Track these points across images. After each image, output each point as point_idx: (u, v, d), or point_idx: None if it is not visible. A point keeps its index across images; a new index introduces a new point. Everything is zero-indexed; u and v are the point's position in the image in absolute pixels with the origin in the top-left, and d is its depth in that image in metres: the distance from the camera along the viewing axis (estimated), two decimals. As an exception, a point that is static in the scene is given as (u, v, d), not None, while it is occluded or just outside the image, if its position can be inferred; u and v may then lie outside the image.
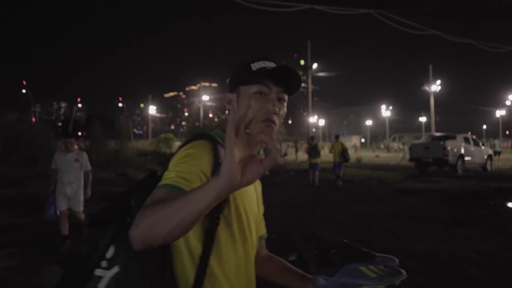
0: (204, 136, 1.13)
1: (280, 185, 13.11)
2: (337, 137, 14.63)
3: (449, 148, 16.90)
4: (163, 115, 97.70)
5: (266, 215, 1.39)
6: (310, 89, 33.43)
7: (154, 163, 22.35)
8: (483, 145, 19.52)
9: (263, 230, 1.37)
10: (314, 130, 77.85)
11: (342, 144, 14.19)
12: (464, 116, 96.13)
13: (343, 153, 13.86)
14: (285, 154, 21.56)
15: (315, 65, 33.87)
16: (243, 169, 0.85)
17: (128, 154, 25.85)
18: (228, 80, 1.24)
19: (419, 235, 6.05)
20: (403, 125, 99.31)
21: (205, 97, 56.74)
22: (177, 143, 36.92)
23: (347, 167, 22.12)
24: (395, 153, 45.58)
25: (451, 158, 16.92)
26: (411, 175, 16.77)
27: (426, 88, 44.46)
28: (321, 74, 33.79)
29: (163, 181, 0.99)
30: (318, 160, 13.95)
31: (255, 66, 1.16)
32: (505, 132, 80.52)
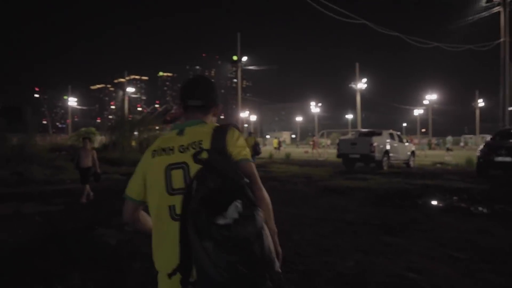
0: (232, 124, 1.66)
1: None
2: (250, 133, 17.91)
3: (375, 144, 16.73)
4: (85, 107, 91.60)
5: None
6: (240, 83, 32.44)
7: (65, 159, 20.02)
8: (406, 141, 19.75)
9: None
10: (245, 125, 77.49)
11: (255, 138, 16.60)
12: (386, 114, 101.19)
13: (255, 147, 15.34)
14: None
15: (244, 58, 32.92)
16: None
17: (36, 149, 23.08)
18: (214, 89, 1.82)
19: (348, 246, 5.16)
20: (331, 122, 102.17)
21: (130, 89, 53.60)
22: (100, 137, 34.28)
23: (276, 163, 21.54)
24: (323, 149, 46.17)
25: (377, 155, 16.78)
26: (339, 172, 16.38)
27: (353, 85, 45.57)
28: (251, 67, 32.92)
29: (249, 156, 1.61)
30: None
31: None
32: (421, 130, 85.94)
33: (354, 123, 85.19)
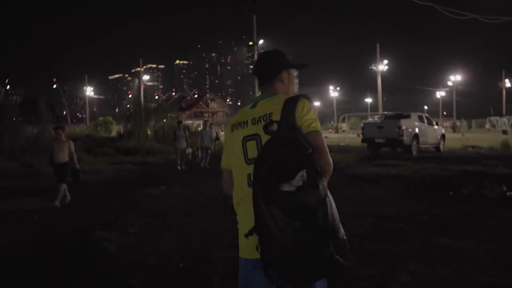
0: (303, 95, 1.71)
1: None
2: None
3: (404, 127, 15.58)
4: (101, 97, 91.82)
5: None
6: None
7: (82, 149, 19.48)
8: (436, 124, 18.48)
9: None
10: (262, 111, 76.08)
11: None
12: (407, 96, 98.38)
13: None
14: (217, 138, 20.19)
15: (261, 41, 31.76)
16: None
17: (51, 140, 22.63)
18: (273, 60, 1.86)
19: (396, 251, 4.22)
20: (350, 106, 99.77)
21: (146, 77, 53.07)
22: (117, 127, 33.82)
23: None
24: (343, 134, 44.89)
25: (406, 139, 15.63)
26: (364, 158, 15.30)
27: (374, 67, 43.88)
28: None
29: (319, 128, 1.67)
30: None
31: (288, 57, 1.88)
32: (443, 113, 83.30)
33: (373, 106, 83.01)
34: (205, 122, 14.23)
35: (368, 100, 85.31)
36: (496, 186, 8.07)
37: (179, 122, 14.35)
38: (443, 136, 18.42)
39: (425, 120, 17.44)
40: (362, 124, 19.12)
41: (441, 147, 18.15)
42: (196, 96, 56.72)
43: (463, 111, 77.82)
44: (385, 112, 22.50)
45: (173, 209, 6.66)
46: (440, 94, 77.98)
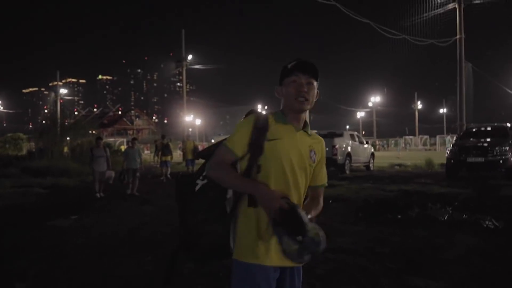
0: (253, 111, 1.91)
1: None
2: (188, 137, 18.56)
3: (337, 146, 15.37)
4: (11, 111, 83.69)
5: None
6: (185, 84, 30.19)
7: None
8: (366, 143, 18.66)
9: (320, 181, 1.98)
10: (190, 129, 74.69)
11: (193, 142, 17.06)
12: (330, 116, 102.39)
13: (195, 150, 15.81)
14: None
15: (189, 57, 30.70)
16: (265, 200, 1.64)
17: None
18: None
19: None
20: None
21: (63, 91, 49.28)
22: (29, 144, 30.55)
23: None
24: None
25: (339, 158, 15.42)
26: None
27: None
28: (196, 66, 30.72)
29: (225, 140, 1.83)
30: (169, 158, 15.77)
31: (289, 65, 1.82)
32: (363, 132, 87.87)
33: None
34: (133, 140, 11.93)
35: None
36: (440, 207, 7.77)
37: (98, 138, 11.82)
38: (372, 154, 18.64)
39: (357, 139, 17.49)
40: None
41: (371, 165, 18.31)
42: (119, 112, 53.72)
43: (381, 131, 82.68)
44: (315, 131, 22.45)
45: (83, 248, 5.34)
46: (360, 114, 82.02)
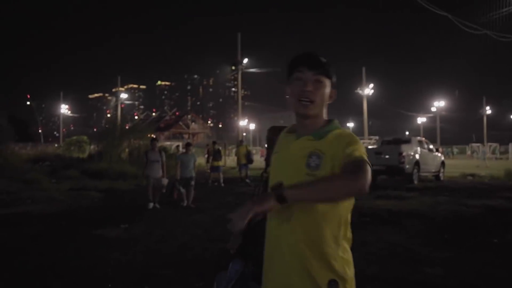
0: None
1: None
2: (241, 141, 17.85)
3: (404, 153, 14.03)
4: (77, 115, 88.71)
5: None
6: (240, 87, 29.82)
7: (42, 171, 17.22)
8: (436, 150, 17.05)
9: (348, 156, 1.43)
10: (244, 134, 74.78)
11: (246, 147, 16.59)
12: (388, 121, 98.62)
13: (248, 155, 15.62)
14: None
15: (245, 60, 30.32)
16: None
17: (12, 160, 20.41)
18: None
19: None
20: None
21: (124, 95, 50.99)
22: (92, 147, 31.68)
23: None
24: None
25: (407, 166, 14.06)
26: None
27: (360, 91, 42.96)
28: (252, 70, 30.27)
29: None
30: (221, 163, 15.34)
31: (293, 58, 1.58)
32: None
33: (355, 131, 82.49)
34: (187, 145, 10.25)
35: (350, 124, 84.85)
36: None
37: (154, 140, 10.32)
38: (443, 163, 16.99)
39: (425, 146, 15.99)
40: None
41: (441, 175, 16.67)
42: (176, 116, 54.70)
43: (444, 137, 77.96)
44: (375, 137, 21.04)
45: (125, 267, 4.74)
46: (421, 119, 77.91)
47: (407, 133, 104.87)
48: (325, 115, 1.59)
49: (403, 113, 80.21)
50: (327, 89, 1.54)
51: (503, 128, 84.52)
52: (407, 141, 15.37)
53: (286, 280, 1.47)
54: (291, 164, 1.52)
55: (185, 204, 9.42)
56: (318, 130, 1.53)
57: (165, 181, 9.58)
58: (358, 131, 63.28)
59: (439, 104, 65.05)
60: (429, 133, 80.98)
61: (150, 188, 9.29)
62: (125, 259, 5.03)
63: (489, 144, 59.95)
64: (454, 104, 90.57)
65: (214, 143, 16.80)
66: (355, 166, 1.34)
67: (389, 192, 11.86)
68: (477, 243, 5.68)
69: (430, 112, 71.28)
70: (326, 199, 1.39)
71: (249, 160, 15.66)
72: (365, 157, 1.40)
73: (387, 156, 14.20)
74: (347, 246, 1.50)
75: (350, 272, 1.46)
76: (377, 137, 30.17)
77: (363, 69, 42.69)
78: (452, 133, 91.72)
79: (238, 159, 16.22)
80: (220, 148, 17.29)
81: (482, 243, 5.67)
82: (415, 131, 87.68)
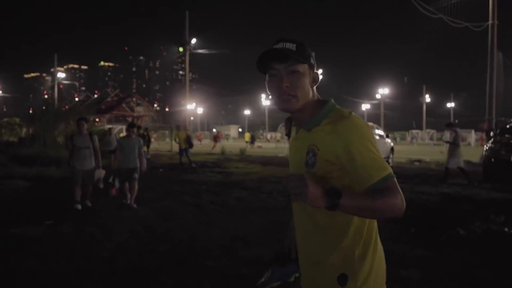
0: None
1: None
2: (178, 127, 17.61)
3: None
4: (8, 95, 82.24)
5: None
6: (187, 68, 28.52)
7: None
8: (387, 136, 17.05)
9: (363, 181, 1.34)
10: (192, 118, 73.02)
11: (186, 131, 16.17)
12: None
13: (188, 139, 15.43)
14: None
15: (193, 41, 28.98)
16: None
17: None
18: None
19: None
20: (281, 115, 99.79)
21: (61, 75, 47.63)
22: (26, 129, 29.32)
23: (232, 161, 18.42)
24: (277, 144, 43.32)
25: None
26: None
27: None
28: (201, 51, 29.02)
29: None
30: (145, 148, 13.96)
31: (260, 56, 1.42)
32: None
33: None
34: (130, 126, 7.81)
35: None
36: (506, 220, 6.22)
37: (81, 119, 7.43)
38: (392, 149, 17.06)
39: (377, 132, 15.89)
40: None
41: (390, 161, 16.72)
42: (119, 98, 52.08)
43: (387, 124, 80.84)
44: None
45: (40, 279, 3.80)
46: (365, 106, 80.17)
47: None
48: (315, 97, 1.48)
49: (350, 99, 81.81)
50: (307, 77, 1.42)
51: (439, 116, 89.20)
52: (359, 126, 15.14)
53: (303, 267, 1.53)
54: (295, 162, 1.51)
55: (128, 202, 7.43)
56: (310, 121, 1.44)
57: (100, 173, 7.69)
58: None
59: (383, 91, 67.02)
60: (373, 120, 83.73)
61: (77, 184, 7.13)
62: (42, 268, 4.06)
63: (427, 130, 62.94)
64: (397, 92, 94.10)
65: (139, 128, 15.17)
66: (393, 188, 1.28)
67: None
68: (448, 237, 5.27)
69: (375, 99, 73.41)
70: (369, 217, 1.38)
71: (190, 144, 15.69)
72: (390, 170, 1.32)
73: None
74: (372, 242, 1.42)
75: (368, 270, 1.38)
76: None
77: (313, 55, 42.61)
78: (395, 119, 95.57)
79: (179, 144, 15.76)
80: (146, 133, 17.10)
81: (453, 238, 5.27)
82: (360, 117, 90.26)
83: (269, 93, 1.46)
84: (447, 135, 16.46)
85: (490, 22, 16.96)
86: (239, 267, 4.13)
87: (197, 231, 5.60)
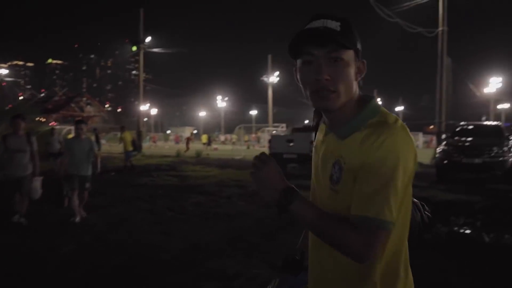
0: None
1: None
2: (122, 128, 15.70)
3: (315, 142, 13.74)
4: None
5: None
6: (141, 67, 27.59)
7: None
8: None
9: (353, 208, 1.07)
10: (146, 119, 71.14)
11: (131, 134, 15.55)
12: (290, 109, 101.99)
13: (133, 141, 14.99)
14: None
15: (148, 39, 28.08)
16: None
17: None
18: None
19: None
20: (237, 117, 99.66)
21: (4, 71, 44.84)
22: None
23: (188, 164, 17.96)
24: (234, 146, 43.01)
25: (317, 154, 13.82)
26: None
27: (265, 78, 43.05)
28: (155, 49, 28.16)
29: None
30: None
31: (294, 35, 1.11)
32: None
33: (258, 118, 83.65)
34: (78, 123, 6.67)
35: (253, 112, 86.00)
36: (467, 222, 6.27)
37: (16, 117, 6.26)
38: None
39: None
40: (268, 137, 17.05)
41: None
42: (67, 97, 49.68)
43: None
44: (282, 125, 20.87)
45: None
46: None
47: (306, 121, 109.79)
48: (357, 94, 1.17)
49: (304, 102, 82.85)
50: (352, 66, 1.12)
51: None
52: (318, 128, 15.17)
53: None
54: (319, 172, 1.24)
55: (77, 219, 6.22)
56: (345, 125, 1.15)
57: (36, 181, 6.30)
58: (263, 119, 64.00)
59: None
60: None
61: (13, 194, 6.09)
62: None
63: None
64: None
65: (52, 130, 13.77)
66: (366, 221, 1.03)
67: (302, 182, 11.37)
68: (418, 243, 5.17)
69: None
70: (323, 240, 1.10)
71: (136, 147, 15.59)
72: (386, 218, 1.03)
73: (298, 144, 13.79)
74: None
75: None
76: (284, 125, 30.21)
77: (269, 57, 42.76)
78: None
79: (124, 146, 14.80)
80: (96, 134, 16.36)
81: (421, 243, 5.17)
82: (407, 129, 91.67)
83: (301, 85, 1.17)
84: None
85: (440, 28, 17.61)
86: (201, 282, 3.77)
87: (154, 242, 5.16)
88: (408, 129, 1.08)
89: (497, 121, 31.20)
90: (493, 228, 5.76)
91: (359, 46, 1.14)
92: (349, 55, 1.12)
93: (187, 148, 28.44)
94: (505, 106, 52.51)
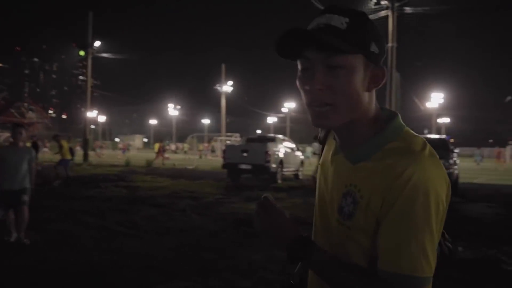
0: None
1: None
2: (56, 136, 15.00)
3: (270, 152, 13.68)
4: None
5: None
6: (89, 73, 26.43)
7: None
8: (298, 149, 17.28)
9: (380, 263, 0.90)
10: (93, 126, 68.33)
11: (66, 142, 14.73)
12: (242, 119, 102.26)
13: (71, 149, 14.56)
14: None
15: (97, 43, 27.00)
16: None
17: None
18: None
19: None
20: (188, 126, 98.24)
21: None
22: None
23: (138, 174, 17.32)
24: (185, 155, 42.17)
25: (272, 165, 13.74)
26: (228, 188, 12.83)
27: (218, 87, 42.83)
28: (105, 55, 27.10)
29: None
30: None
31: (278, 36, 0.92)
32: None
33: (211, 127, 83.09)
34: (15, 126, 5.90)
35: (206, 121, 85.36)
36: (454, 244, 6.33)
37: None
38: (302, 162, 17.33)
39: (288, 145, 16.03)
40: (222, 146, 16.77)
41: (300, 173, 16.95)
42: (6, 102, 46.74)
43: (293, 137, 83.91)
44: (236, 134, 20.69)
45: None
46: (272, 119, 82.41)
47: (259, 131, 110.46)
48: (373, 108, 0.96)
49: (257, 111, 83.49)
50: (359, 73, 0.90)
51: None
52: (272, 139, 15.14)
53: None
54: (324, 199, 1.04)
55: (12, 238, 5.53)
56: (358, 149, 0.95)
57: None
58: (215, 128, 63.57)
59: (289, 105, 69.59)
60: (279, 133, 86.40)
61: None
62: None
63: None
64: (303, 106, 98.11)
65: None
66: (399, 280, 0.84)
67: (257, 192, 11.25)
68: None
69: (281, 112, 75.91)
70: None
71: (73, 154, 15.48)
72: (426, 274, 0.85)
73: (252, 155, 13.66)
74: None
75: None
76: (238, 135, 30.06)
77: (223, 66, 42.63)
78: (300, 132, 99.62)
79: (62, 154, 13.84)
80: (34, 141, 16.54)
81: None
82: (266, 130, 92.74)
83: (302, 97, 0.96)
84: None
85: (390, 44, 18.28)
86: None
87: (102, 261, 4.74)
88: (437, 156, 0.90)
89: (438, 134, 32.95)
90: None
91: (374, 48, 0.91)
92: (356, 60, 0.90)
93: (163, 158, 26.10)
94: (445, 120, 55.64)
